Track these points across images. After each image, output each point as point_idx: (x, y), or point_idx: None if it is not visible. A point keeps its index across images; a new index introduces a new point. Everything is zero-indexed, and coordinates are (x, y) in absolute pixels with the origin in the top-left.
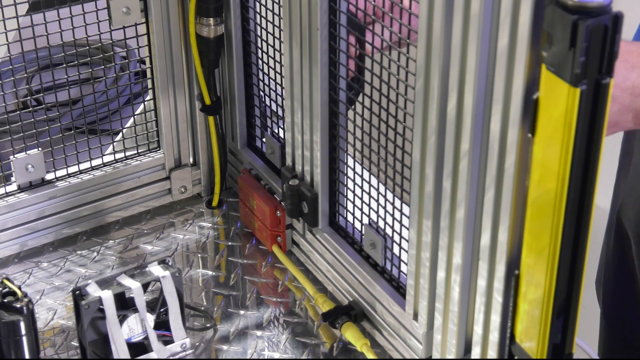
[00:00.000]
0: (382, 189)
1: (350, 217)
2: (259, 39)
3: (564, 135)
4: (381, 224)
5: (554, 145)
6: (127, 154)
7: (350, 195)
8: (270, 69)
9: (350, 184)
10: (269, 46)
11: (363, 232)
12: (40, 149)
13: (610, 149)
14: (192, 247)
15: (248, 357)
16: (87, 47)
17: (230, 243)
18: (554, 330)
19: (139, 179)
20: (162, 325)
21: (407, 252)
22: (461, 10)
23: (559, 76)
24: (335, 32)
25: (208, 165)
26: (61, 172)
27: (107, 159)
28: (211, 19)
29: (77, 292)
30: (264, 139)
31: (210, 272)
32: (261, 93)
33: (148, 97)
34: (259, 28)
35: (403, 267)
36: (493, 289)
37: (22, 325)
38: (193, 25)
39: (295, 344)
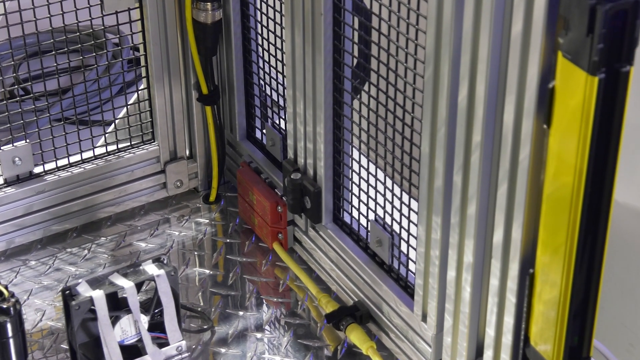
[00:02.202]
0: (389, 183)
1: (355, 213)
2: (259, 25)
3: (581, 127)
4: (388, 220)
5: (570, 137)
6: (120, 146)
7: (355, 189)
8: (271, 56)
9: (355, 178)
10: (270, 32)
11: (369, 228)
12: (28, 140)
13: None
14: (188, 244)
15: None
16: (78, 34)
17: (228, 240)
18: (570, 332)
19: (132, 172)
20: (156, 326)
21: (415, 249)
22: None
23: (576, 64)
24: (339, 17)
25: (205, 158)
26: (50, 165)
27: (98, 151)
28: (208, 3)
29: (67, 291)
30: (264, 131)
31: (207, 271)
32: (261, 82)
33: (142, 86)
34: (259, 13)
35: (411, 266)
36: (506, 288)
37: (9, 326)
38: (189, 10)
39: (297, 347)
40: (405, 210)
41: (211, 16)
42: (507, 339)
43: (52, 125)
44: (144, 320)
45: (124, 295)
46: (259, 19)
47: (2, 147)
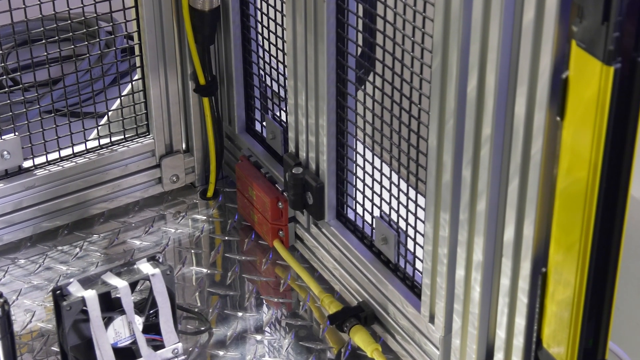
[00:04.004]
0: (395, 178)
1: (359, 209)
2: (259, 12)
3: (596, 119)
4: (394, 216)
5: (585, 130)
6: (113, 139)
7: (359, 185)
8: (271, 45)
9: (359, 173)
10: (270, 20)
11: (374, 225)
12: (17, 133)
13: None
14: (184, 242)
15: None
16: (69, 21)
17: (227, 238)
18: (585, 334)
19: (126, 167)
20: (151, 328)
21: (422, 247)
22: None
23: (590, 53)
24: (343, 4)
25: (202, 151)
26: (40, 160)
27: (91, 144)
28: None
29: (58, 291)
30: (264, 123)
31: (204, 270)
32: (261, 72)
33: (136, 77)
34: (258, 0)
35: (418, 265)
36: (517, 288)
37: None
38: None
39: (299, 349)
40: (412, 206)
41: (209, 3)
42: (519, 341)
43: (42, 118)
44: (139, 321)
45: (118, 296)
46: (259, 6)
47: None
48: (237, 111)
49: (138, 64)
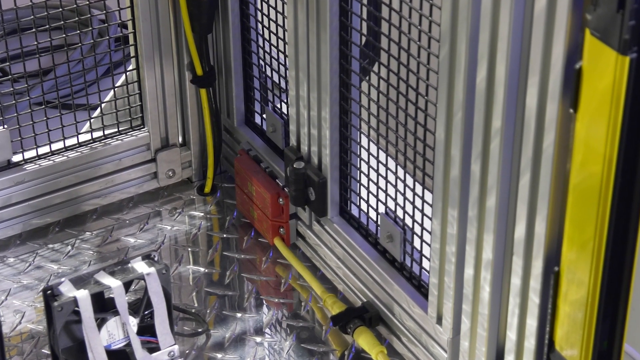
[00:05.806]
0: (400, 172)
1: (364, 206)
2: (258, 0)
3: (611, 111)
4: (400, 213)
5: (599, 122)
6: (107, 132)
7: (364, 180)
8: (271, 34)
9: (364, 167)
10: (271, 8)
11: (379, 222)
12: (5, 126)
13: None
14: (181, 239)
15: None
16: (61, 9)
17: (225, 235)
18: (599, 336)
19: (120, 161)
20: (146, 330)
21: (429, 245)
22: None
23: (605, 43)
24: None
25: (200, 145)
26: (30, 154)
27: (83, 138)
28: None
29: (49, 291)
30: (264, 115)
31: (202, 269)
32: (261, 62)
33: (130, 67)
34: None
35: (425, 263)
36: (529, 288)
37: None
38: None
39: (301, 352)
40: (418, 202)
41: None
42: (530, 343)
43: (33, 110)
44: (133, 322)
45: (111, 296)
46: None
47: None
48: (236, 103)
49: (132, 54)
